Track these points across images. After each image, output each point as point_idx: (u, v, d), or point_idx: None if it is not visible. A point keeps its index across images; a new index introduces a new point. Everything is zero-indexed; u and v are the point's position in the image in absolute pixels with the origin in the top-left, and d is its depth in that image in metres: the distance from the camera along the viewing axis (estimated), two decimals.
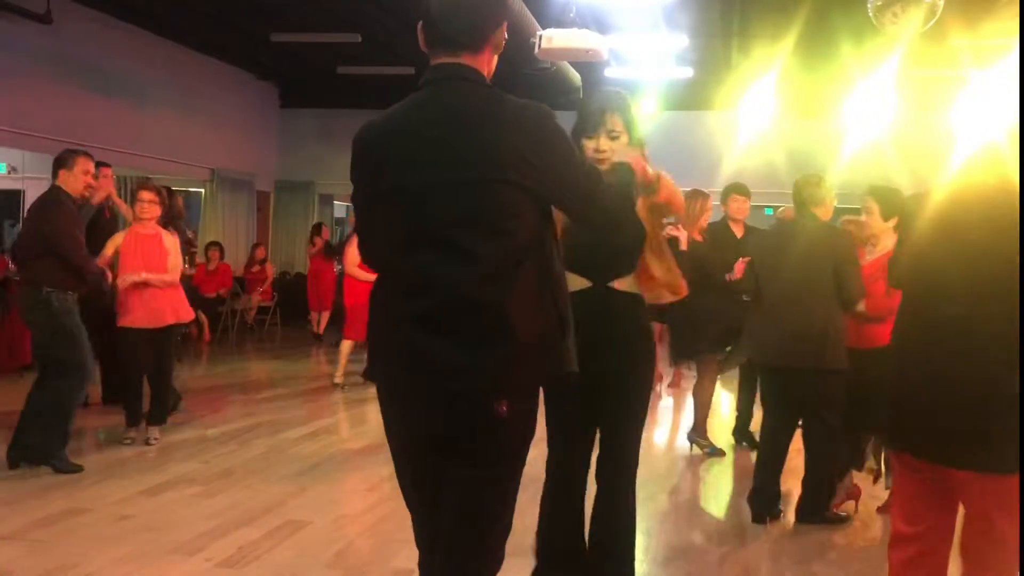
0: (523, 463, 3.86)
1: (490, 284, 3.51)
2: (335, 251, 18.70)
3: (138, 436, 9.70)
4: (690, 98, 21.48)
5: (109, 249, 9.45)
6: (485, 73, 3.79)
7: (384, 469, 8.93)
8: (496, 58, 3.93)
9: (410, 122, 3.71)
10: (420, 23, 3.79)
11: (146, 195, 9.70)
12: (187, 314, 10.00)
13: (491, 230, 3.53)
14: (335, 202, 26.62)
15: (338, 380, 13.63)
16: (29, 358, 13.33)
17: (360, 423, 11.57)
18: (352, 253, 13.47)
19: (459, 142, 3.57)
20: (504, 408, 3.57)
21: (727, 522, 7.86)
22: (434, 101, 3.71)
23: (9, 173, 22.48)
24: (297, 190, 24.07)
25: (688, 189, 10.42)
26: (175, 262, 9.75)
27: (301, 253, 23.56)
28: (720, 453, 10.23)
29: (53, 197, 8.75)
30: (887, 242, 7.51)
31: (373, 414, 12.15)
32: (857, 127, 20.14)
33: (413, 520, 4.01)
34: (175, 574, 6.14)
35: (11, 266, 17.06)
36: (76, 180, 8.79)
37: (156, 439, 9.68)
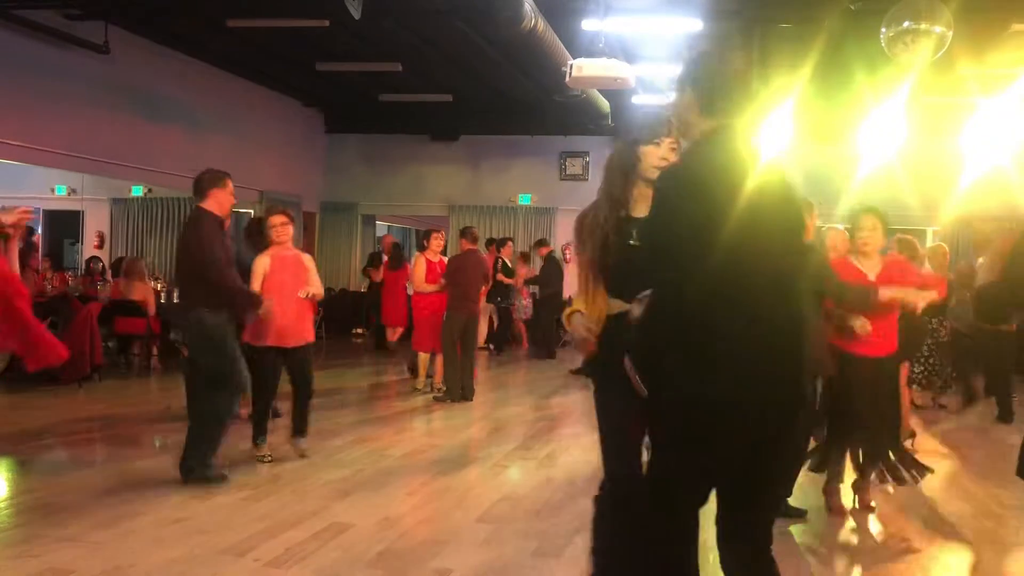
0: None
1: None
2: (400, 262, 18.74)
3: (294, 450, 9.63)
4: None
5: (258, 281, 9.18)
6: None
7: (424, 473, 8.93)
8: None
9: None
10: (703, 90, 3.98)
11: (278, 219, 9.57)
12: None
13: None
14: (377, 222, 26.66)
15: (419, 386, 14.18)
16: (88, 369, 13.40)
17: (402, 431, 11.55)
18: (420, 270, 13.54)
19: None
20: None
21: None
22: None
23: (69, 195, 22.61)
24: (341, 211, 24.13)
25: None
26: (316, 279, 9.64)
27: (345, 270, 23.63)
28: None
29: (195, 218, 8.57)
30: (877, 257, 7.79)
31: (415, 422, 12.16)
32: (870, 151, 20.06)
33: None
34: (225, 574, 6.13)
35: (71, 282, 17.20)
36: (224, 201, 8.61)
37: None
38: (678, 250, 3.79)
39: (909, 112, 18.38)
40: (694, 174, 3.80)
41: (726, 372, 3.73)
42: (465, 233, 13.90)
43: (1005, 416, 13.17)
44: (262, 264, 9.28)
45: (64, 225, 23.90)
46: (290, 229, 9.52)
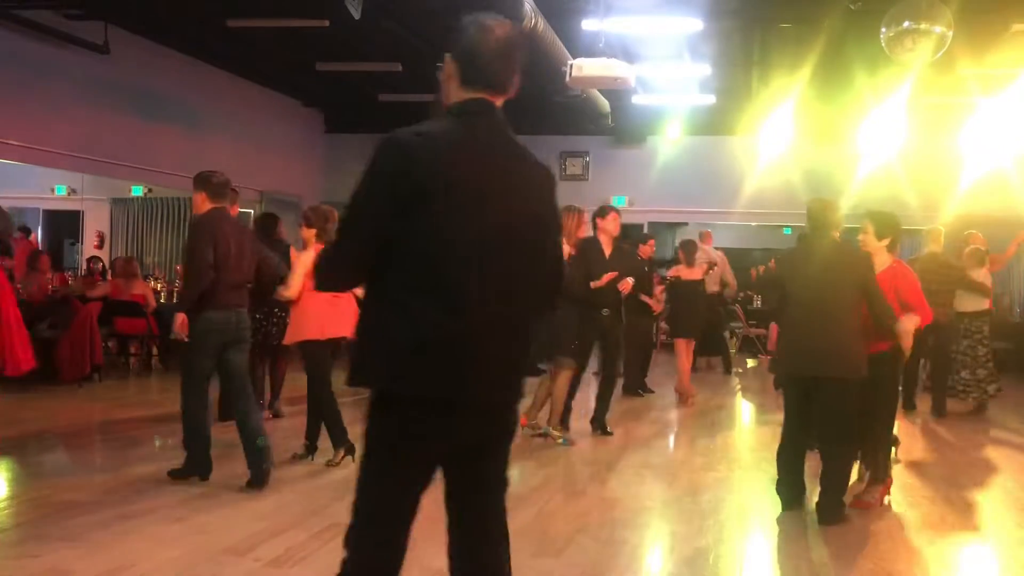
0: None
1: None
2: None
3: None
4: (713, 124, 21.51)
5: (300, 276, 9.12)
6: None
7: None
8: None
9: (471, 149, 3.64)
10: (458, 57, 3.74)
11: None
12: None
13: None
14: None
15: None
16: (88, 369, 13.41)
17: None
18: None
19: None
20: None
21: (751, 523, 7.83)
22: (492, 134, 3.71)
23: (69, 195, 22.59)
24: (341, 211, 24.06)
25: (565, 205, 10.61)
26: (294, 280, 9.38)
27: None
28: (572, 443, 10.74)
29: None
30: (881, 259, 8.01)
31: None
32: (870, 151, 20.09)
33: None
34: (226, 574, 6.13)
35: (71, 282, 17.19)
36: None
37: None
38: (365, 223, 3.65)
39: (909, 112, 18.42)
40: (406, 141, 3.53)
41: (413, 366, 3.56)
42: None
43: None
44: (307, 259, 9.14)
45: (64, 225, 23.87)
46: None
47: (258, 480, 8.23)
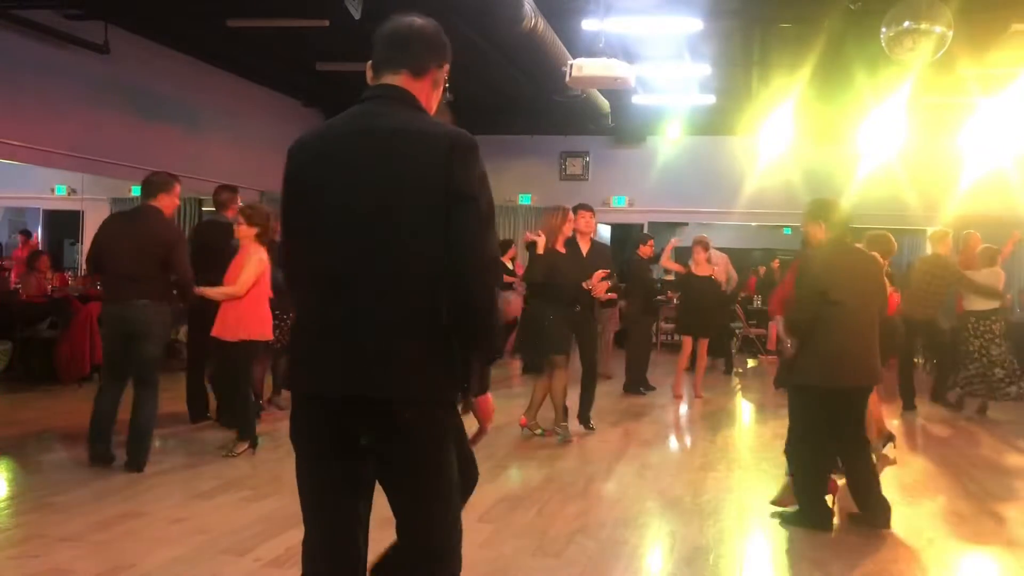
0: None
1: None
2: None
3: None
4: (713, 124, 21.51)
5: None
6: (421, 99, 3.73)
7: None
8: (437, 94, 3.84)
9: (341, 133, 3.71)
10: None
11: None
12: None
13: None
14: None
15: None
16: (88, 369, 13.41)
17: None
18: None
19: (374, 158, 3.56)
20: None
21: (751, 523, 7.83)
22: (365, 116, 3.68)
23: (69, 195, 22.59)
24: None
25: (552, 205, 11.31)
26: (246, 278, 9.54)
27: None
28: (569, 440, 10.84)
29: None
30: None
31: None
32: (870, 151, 20.10)
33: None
34: (226, 574, 6.14)
35: (71, 282, 17.20)
36: (174, 203, 9.02)
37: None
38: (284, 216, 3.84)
39: (909, 112, 18.41)
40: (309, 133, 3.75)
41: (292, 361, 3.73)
42: None
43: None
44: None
45: (64, 225, 23.87)
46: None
47: (136, 465, 8.68)
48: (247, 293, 9.38)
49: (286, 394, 11.75)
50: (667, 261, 16.06)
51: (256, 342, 9.63)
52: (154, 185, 8.99)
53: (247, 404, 9.69)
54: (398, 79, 3.67)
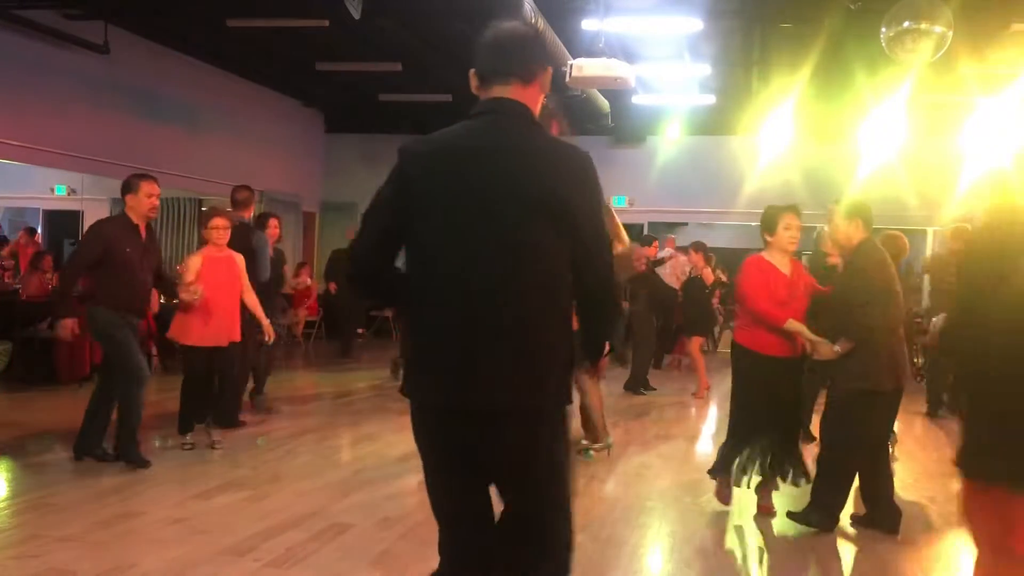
0: None
1: None
2: None
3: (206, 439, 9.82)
4: (713, 123, 21.52)
5: (190, 274, 9.40)
6: (532, 108, 3.78)
7: (423, 474, 8.92)
8: (542, 97, 3.88)
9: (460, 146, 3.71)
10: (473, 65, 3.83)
11: (220, 222, 9.69)
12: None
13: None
14: None
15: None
16: (88, 370, 13.41)
17: (400, 431, 11.55)
18: None
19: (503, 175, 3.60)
20: None
21: (751, 523, 7.82)
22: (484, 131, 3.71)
23: (68, 195, 22.60)
24: (341, 211, 24.05)
25: None
26: (248, 283, 9.88)
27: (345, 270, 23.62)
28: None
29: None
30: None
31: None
32: (870, 151, 20.10)
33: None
34: (226, 574, 6.13)
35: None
36: (141, 203, 8.83)
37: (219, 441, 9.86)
38: (372, 212, 3.83)
39: (909, 112, 18.40)
40: (403, 148, 3.81)
41: (411, 373, 3.84)
42: None
43: None
44: (193, 265, 9.54)
45: (64, 225, 23.87)
46: (228, 234, 9.77)
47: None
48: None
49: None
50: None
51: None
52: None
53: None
54: (509, 90, 3.73)
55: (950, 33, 11.12)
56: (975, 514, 3.82)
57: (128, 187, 8.86)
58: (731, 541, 7.40)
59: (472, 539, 3.88)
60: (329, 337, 20.61)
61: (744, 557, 7.10)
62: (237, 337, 9.74)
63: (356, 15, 11.86)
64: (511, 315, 3.55)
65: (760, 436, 7.61)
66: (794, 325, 7.33)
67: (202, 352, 9.49)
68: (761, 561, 7.09)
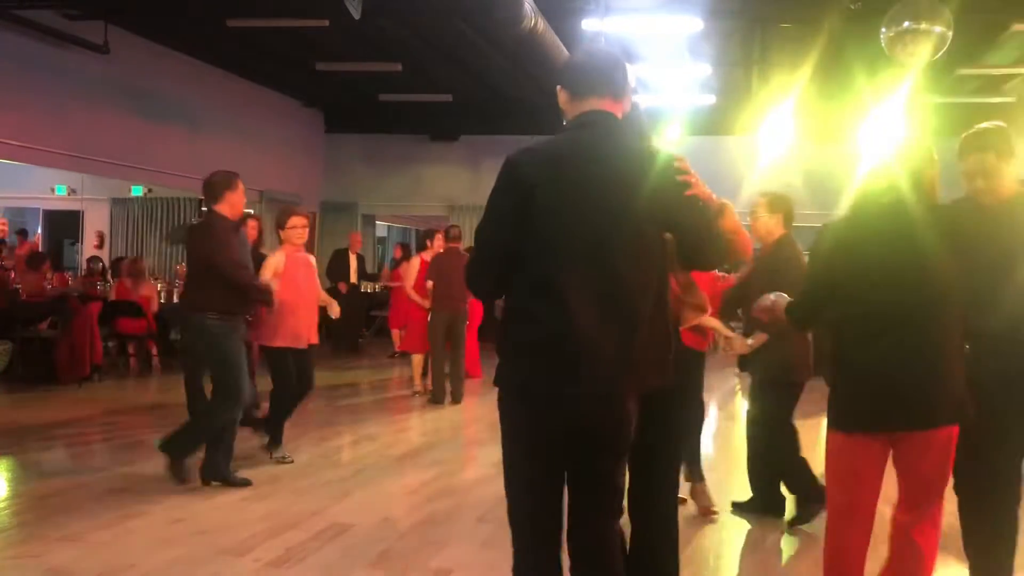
0: None
1: None
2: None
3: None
4: (713, 124, 21.51)
5: (269, 272, 9.04)
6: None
7: (423, 474, 8.93)
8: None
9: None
10: (561, 80, 4.09)
11: (300, 220, 9.44)
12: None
13: None
14: (377, 222, 26.66)
15: (418, 389, 13.92)
16: (88, 370, 13.42)
17: (402, 431, 11.56)
18: (414, 271, 13.60)
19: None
20: None
21: (751, 523, 7.81)
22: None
23: (69, 195, 22.62)
24: (341, 210, 24.07)
25: None
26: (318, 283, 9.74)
27: (345, 270, 23.68)
28: None
29: (207, 222, 8.53)
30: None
31: (415, 423, 12.18)
32: (870, 151, 20.08)
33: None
34: (226, 574, 6.13)
35: (71, 283, 17.20)
36: (236, 203, 8.53)
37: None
38: (491, 226, 3.95)
39: (909, 112, 18.40)
40: (513, 159, 3.89)
41: (516, 364, 3.92)
42: (448, 232, 13.80)
43: None
44: (275, 261, 9.22)
45: (64, 225, 23.91)
46: (307, 233, 9.55)
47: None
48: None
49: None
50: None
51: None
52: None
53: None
54: (604, 103, 4.00)
55: (950, 33, 11.12)
56: (831, 458, 4.87)
57: (227, 184, 8.54)
58: (731, 542, 7.40)
59: (554, 532, 4.02)
60: (329, 337, 20.59)
61: (744, 557, 7.09)
62: (316, 339, 9.52)
63: (356, 15, 11.85)
64: (640, 306, 3.87)
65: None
66: (710, 321, 7.33)
67: (289, 354, 9.14)
68: (762, 561, 7.07)
